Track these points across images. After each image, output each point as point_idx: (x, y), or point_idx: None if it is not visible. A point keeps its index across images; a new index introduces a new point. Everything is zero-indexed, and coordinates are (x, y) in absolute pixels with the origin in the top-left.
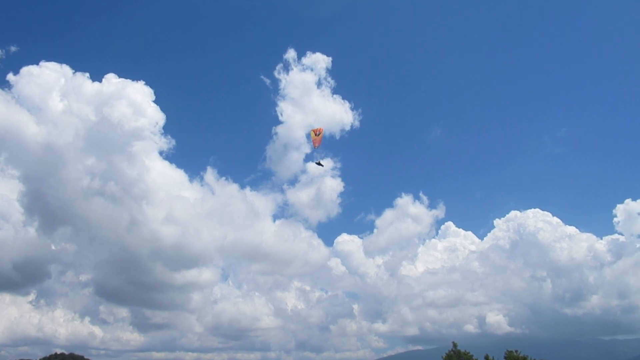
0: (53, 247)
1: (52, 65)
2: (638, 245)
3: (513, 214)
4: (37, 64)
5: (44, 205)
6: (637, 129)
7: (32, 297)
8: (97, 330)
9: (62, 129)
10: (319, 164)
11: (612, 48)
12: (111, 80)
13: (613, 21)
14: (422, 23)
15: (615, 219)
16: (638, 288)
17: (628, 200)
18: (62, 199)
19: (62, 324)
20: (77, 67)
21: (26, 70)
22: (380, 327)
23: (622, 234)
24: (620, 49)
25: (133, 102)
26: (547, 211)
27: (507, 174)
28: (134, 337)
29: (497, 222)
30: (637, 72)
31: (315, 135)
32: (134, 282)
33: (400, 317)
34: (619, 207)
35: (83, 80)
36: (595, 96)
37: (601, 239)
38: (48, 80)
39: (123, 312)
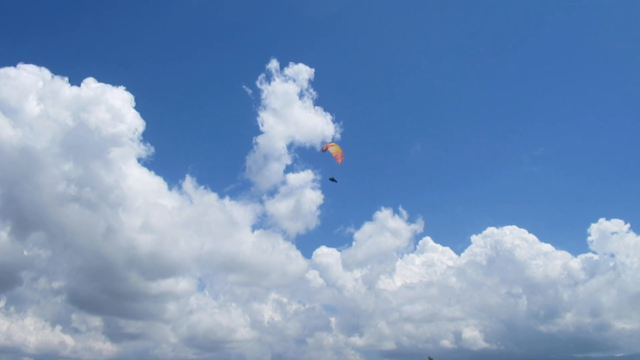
0: (25, 253)
1: (31, 68)
2: (611, 264)
3: (490, 230)
4: (15, 65)
5: (18, 210)
6: (611, 153)
7: (1, 304)
8: (68, 339)
9: (39, 133)
10: (332, 179)
11: (590, 71)
12: (90, 84)
13: (591, 46)
14: (405, 38)
15: (589, 238)
16: (610, 306)
17: (602, 220)
18: (37, 204)
19: (32, 332)
20: (56, 71)
21: (3, 72)
22: (357, 340)
23: (595, 253)
24: (598, 73)
25: (112, 107)
26: (524, 228)
27: (485, 191)
28: (106, 347)
29: (474, 238)
30: (615, 95)
31: (322, 151)
32: (108, 291)
33: (377, 331)
34: (593, 226)
35: (62, 84)
36: (573, 119)
37: (576, 257)
38: (25, 82)
39: (96, 321)
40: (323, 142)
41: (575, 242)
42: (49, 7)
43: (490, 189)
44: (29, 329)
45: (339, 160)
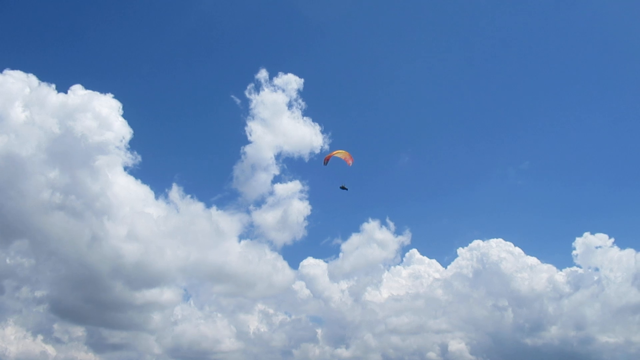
0: (8, 261)
1: (18, 74)
2: (595, 278)
3: (476, 243)
4: (1, 72)
5: (1, 217)
6: (596, 168)
7: None
8: (50, 349)
9: (24, 139)
10: (343, 187)
11: (578, 86)
12: (77, 91)
13: (577, 63)
14: (394, 50)
15: (574, 252)
16: (594, 320)
17: (587, 234)
18: (21, 212)
19: (13, 342)
20: (43, 77)
21: None
22: (343, 352)
23: (580, 267)
24: (586, 88)
25: (99, 115)
26: (510, 241)
27: (471, 204)
28: (89, 357)
29: (460, 250)
30: (602, 110)
31: (324, 163)
32: (91, 300)
33: (363, 343)
34: (578, 240)
35: (49, 91)
36: (559, 134)
37: (561, 270)
38: (12, 89)
39: (78, 331)
40: (312, 153)
41: (560, 256)
42: (37, 13)
43: (477, 202)
44: (10, 339)
45: (350, 162)
